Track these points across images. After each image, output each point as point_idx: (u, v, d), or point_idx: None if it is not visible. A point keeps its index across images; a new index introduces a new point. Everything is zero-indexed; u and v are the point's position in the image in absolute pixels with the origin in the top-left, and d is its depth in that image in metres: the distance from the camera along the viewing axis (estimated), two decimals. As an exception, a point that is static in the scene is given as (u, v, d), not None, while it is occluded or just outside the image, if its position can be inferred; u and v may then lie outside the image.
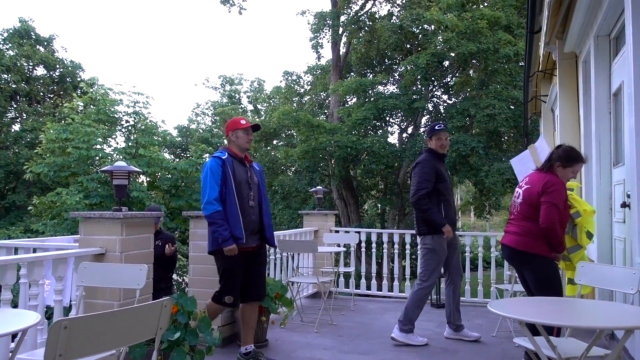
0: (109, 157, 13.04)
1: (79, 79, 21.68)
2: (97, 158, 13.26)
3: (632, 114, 3.25)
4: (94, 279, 3.14)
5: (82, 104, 14.97)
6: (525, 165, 4.95)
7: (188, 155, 18.66)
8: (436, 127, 4.75)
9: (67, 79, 22.03)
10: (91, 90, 14.77)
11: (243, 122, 3.95)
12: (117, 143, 15.44)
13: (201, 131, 28.37)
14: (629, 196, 3.67)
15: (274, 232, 4.26)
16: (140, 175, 14.12)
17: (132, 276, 3.03)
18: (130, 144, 14.21)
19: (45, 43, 21.59)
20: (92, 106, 14.46)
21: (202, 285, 4.53)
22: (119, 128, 15.36)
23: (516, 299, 3.16)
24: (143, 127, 14.73)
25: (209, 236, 3.87)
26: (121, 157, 13.03)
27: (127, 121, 15.14)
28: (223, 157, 3.81)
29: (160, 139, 15.64)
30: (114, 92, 14.93)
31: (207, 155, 21.30)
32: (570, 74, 5.87)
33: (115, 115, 14.80)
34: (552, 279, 3.57)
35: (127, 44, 65.74)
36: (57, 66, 21.87)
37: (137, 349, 3.00)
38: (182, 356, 3.17)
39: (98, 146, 13.50)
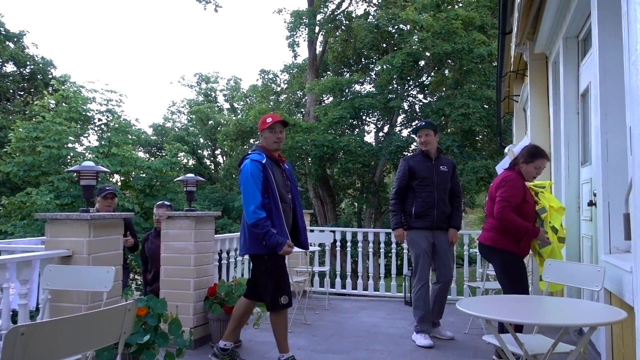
0: (81, 156, 12.81)
1: (50, 76, 21.20)
2: (69, 157, 13.01)
3: (598, 115, 3.31)
4: (60, 282, 3.06)
5: (53, 101, 14.67)
6: (504, 167, 5.09)
7: (163, 154, 18.44)
8: (417, 126, 4.83)
9: (38, 76, 21.53)
10: (63, 87, 14.48)
11: (269, 120, 3.70)
12: (90, 142, 15.19)
13: (177, 130, 28.11)
14: (595, 195, 3.74)
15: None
16: (114, 175, 13.90)
17: (100, 278, 2.97)
18: (103, 142, 13.99)
19: (15, 39, 21.06)
20: (63, 104, 14.18)
21: (174, 286, 4.48)
22: (92, 126, 15.11)
23: (484, 297, 3.20)
24: (116, 125, 14.52)
25: (244, 238, 3.68)
26: (94, 156, 12.81)
27: (99, 119, 14.91)
28: (263, 161, 3.59)
29: (134, 137, 15.44)
30: (86, 89, 14.69)
31: (183, 154, 21.11)
32: (541, 74, 5.96)
33: (87, 113, 14.55)
34: (515, 273, 3.69)
35: (100, 41, 64.64)
36: (28, 63, 21.36)
37: (104, 352, 2.94)
38: (152, 359, 3.12)
39: (70, 145, 13.25)
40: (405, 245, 6.39)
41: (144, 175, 14.03)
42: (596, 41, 3.33)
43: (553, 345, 2.52)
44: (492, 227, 3.82)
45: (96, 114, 14.78)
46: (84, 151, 13.54)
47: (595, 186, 3.76)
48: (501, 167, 5.55)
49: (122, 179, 14.37)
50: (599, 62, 3.27)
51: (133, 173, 13.85)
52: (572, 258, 4.59)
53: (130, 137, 14.72)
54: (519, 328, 3.42)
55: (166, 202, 5.48)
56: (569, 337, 4.41)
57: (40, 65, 21.66)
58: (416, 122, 18.02)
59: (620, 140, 3.10)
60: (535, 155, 3.79)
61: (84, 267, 3.31)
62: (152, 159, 19.77)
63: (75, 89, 14.53)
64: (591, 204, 4.00)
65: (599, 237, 3.41)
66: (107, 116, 14.76)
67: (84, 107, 14.26)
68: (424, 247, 4.63)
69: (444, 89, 17.80)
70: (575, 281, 3.12)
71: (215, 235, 5.06)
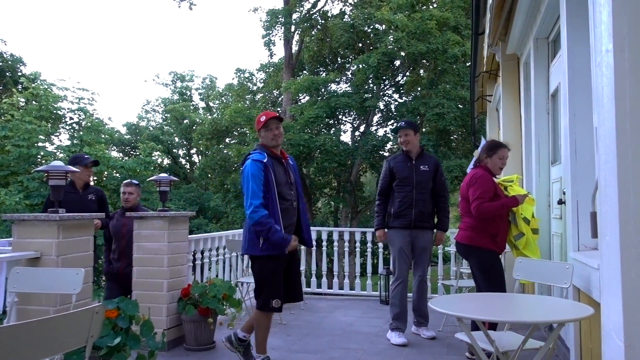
0: (52, 156, 12.54)
1: (19, 74, 20.66)
2: (39, 157, 12.72)
3: (567, 115, 3.38)
4: (27, 285, 2.99)
5: (23, 99, 14.33)
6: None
7: (137, 153, 18.19)
8: (397, 126, 4.91)
9: (7, 74, 20.95)
10: (33, 85, 14.15)
11: (262, 118, 3.69)
12: (61, 141, 14.89)
13: (151, 129, 27.75)
14: (564, 193, 3.82)
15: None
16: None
17: (68, 281, 2.90)
18: (74, 141, 13.72)
19: (-18, 35, 20.48)
20: (33, 102, 13.86)
21: (147, 287, 4.41)
22: (63, 125, 14.81)
23: (457, 296, 3.24)
24: (88, 124, 14.26)
25: (246, 238, 3.66)
26: (65, 155, 12.55)
27: (71, 118, 14.62)
28: (264, 160, 3.56)
29: (107, 136, 15.20)
30: (57, 87, 14.38)
31: (158, 153, 20.83)
32: (513, 74, 6.06)
33: (58, 111, 14.26)
34: (492, 270, 3.76)
35: (72, 38, 63.32)
36: (-4, 60, 20.80)
37: (73, 356, 2.88)
38: (123, 362, 3.07)
39: (40, 144, 12.96)
40: (380, 245, 6.43)
41: (117, 175, 13.81)
42: (565, 43, 3.40)
43: (523, 342, 2.56)
44: (468, 226, 3.88)
45: (67, 112, 14.50)
46: (55, 150, 13.27)
47: (564, 185, 3.84)
48: (471, 167, 5.63)
49: (94, 178, 14.12)
50: (568, 63, 3.33)
51: (106, 173, 13.62)
52: (543, 256, 4.67)
53: (103, 136, 14.49)
54: (493, 326, 3.47)
55: (134, 181, 5.18)
56: (539, 333, 4.49)
57: (9, 62, 21.09)
58: (392, 121, 18.15)
59: (588, 140, 3.17)
60: (495, 147, 3.92)
61: (53, 269, 3.23)
62: (126, 158, 19.44)
63: (46, 86, 14.23)
64: (561, 202, 4.08)
65: (568, 235, 3.48)
66: (79, 115, 14.48)
67: (55, 106, 13.97)
68: (400, 245, 4.67)
69: (419, 88, 17.96)
70: (545, 278, 3.18)
71: (190, 236, 5.01)
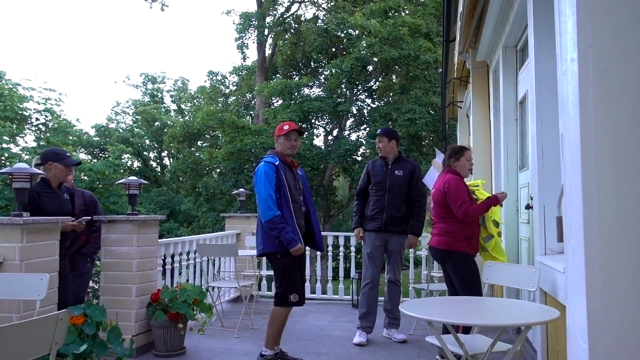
0: (17, 157, 12.19)
1: (-17, 73, 20.09)
2: (4, 158, 12.35)
3: (534, 122, 3.46)
4: (-12, 291, 2.90)
5: (-14, 99, 13.89)
6: (432, 177, 5.39)
7: (107, 155, 17.84)
8: (373, 133, 5.14)
9: (-30, 73, 20.35)
10: (-3, 85, 13.74)
11: (286, 127, 3.98)
12: (27, 142, 14.49)
13: (121, 131, 27.28)
14: (532, 198, 3.90)
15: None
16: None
17: (32, 286, 2.82)
18: (41, 143, 13.36)
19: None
20: (-3, 102, 13.46)
21: (114, 293, 4.32)
22: (29, 126, 14.42)
23: (427, 299, 3.27)
24: (55, 125, 13.91)
25: (260, 238, 3.86)
26: (31, 157, 12.22)
27: (37, 119, 14.24)
28: (276, 163, 3.84)
29: (74, 138, 14.85)
30: (23, 87, 14.00)
31: (128, 155, 20.46)
32: (482, 81, 6.17)
33: (24, 112, 13.87)
34: (470, 273, 3.81)
35: (38, 37, 61.86)
36: (-42, 58, 20.16)
37: (37, 364, 2.80)
38: (89, 369, 3.00)
39: (4, 145, 12.59)
40: (353, 249, 6.47)
41: (85, 177, 13.50)
42: (532, 51, 3.48)
43: (491, 345, 2.60)
44: (442, 231, 3.91)
45: (33, 113, 14.11)
46: (20, 152, 12.89)
47: (532, 190, 3.92)
48: (428, 177, 5.69)
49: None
50: (535, 71, 3.41)
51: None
52: (511, 259, 4.76)
53: (70, 137, 14.13)
54: (467, 329, 3.52)
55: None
56: (508, 336, 4.57)
57: (-27, 60, 20.49)
58: (365, 126, 18.27)
59: (555, 147, 3.25)
60: (459, 150, 4.02)
61: (16, 275, 3.13)
62: (95, 160, 19.05)
63: (11, 86, 13.82)
64: (528, 207, 4.16)
65: (535, 239, 3.55)
66: (46, 116, 14.12)
67: (20, 106, 13.59)
68: (370, 249, 4.78)
69: (391, 94, 18.13)
70: (513, 282, 3.24)
71: (160, 240, 4.93)
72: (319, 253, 7.15)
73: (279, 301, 3.86)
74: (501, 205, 4.03)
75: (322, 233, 7.20)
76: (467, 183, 4.12)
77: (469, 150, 4.06)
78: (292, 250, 3.75)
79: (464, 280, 3.81)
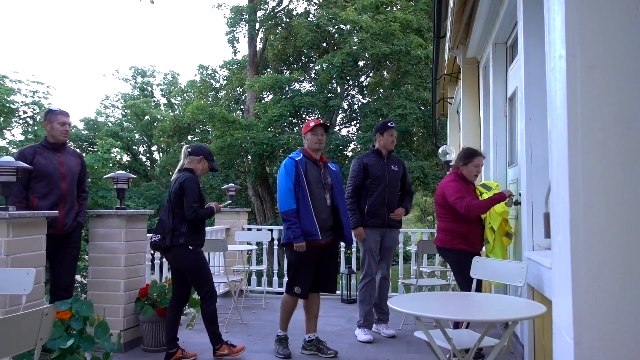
0: (4, 151, 12.06)
1: (-31, 65, 19.82)
2: (-10, 151, 12.21)
3: (523, 118, 3.48)
4: (-27, 285, 2.86)
5: (-28, 92, 13.70)
6: None
7: (95, 149, 17.71)
8: (388, 125, 4.88)
9: (-44, 64, 20.07)
10: (-17, 77, 13.54)
11: (312, 124, 4.16)
12: (14, 135, 14.33)
13: (110, 124, 27.05)
14: (520, 194, 3.92)
15: None
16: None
17: (18, 281, 2.80)
18: (28, 136, 13.20)
19: None
20: (-17, 95, 13.28)
21: (102, 287, 4.29)
22: (16, 119, 14.25)
23: (416, 295, 3.29)
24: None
25: (284, 229, 4.09)
26: (18, 150, 12.09)
27: (24, 112, 14.07)
28: (297, 159, 4.09)
29: (63, 132, 14.69)
30: (9, 80, 13.80)
31: (117, 149, 20.31)
32: (473, 78, 6.19)
33: (11, 105, 13.70)
34: (466, 269, 3.83)
35: (26, 29, 61.12)
36: (-56, 50, 19.86)
37: (23, 359, 2.77)
38: (76, 365, 2.98)
39: (-9, 138, 12.45)
40: (343, 244, 6.45)
41: (73, 171, 13.40)
42: (522, 48, 3.49)
43: (479, 340, 2.62)
44: (440, 230, 4.08)
45: (21, 106, 13.92)
46: (7, 145, 12.75)
47: (520, 186, 3.94)
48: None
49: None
50: (524, 68, 3.43)
51: (61, 169, 13.18)
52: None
53: (59, 131, 13.97)
54: (456, 324, 3.54)
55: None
56: (496, 331, 4.60)
57: (-41, 52, 20.19)
58: (355, 121, 18.27)
59: (543, 143, 3.27)
60: (471, 155, 4.03)
61: (2, 269, 3.10)
62: (83, 154, 18.90)
63: (-2, 79, 13.65)
64: (517, 203, 4.19)
65: (522, 235, 3.58)
66: (33, 109, 13.95)
67: (7, 99, 13.42)
68: (371, 245, 4.74)
69: (382, 89, 18.14)
70: (501, 277, 3.26)
71: (148, 234, 4.90)
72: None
73: (286, 289, 4.18)
74: (509, 206, 4.03)
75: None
76: (483, 182, 4.18)
77: (481, 156, 4.06)
78: (294, 246, 3.95)
79: (462, 276, 3.87)
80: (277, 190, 4.10)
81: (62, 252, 3.97)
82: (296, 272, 4.08)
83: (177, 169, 4.13)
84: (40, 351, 1.84)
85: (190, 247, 3.88)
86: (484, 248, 4.10)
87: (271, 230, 6.99)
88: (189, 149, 4.14)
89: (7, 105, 13.48)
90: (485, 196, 4.08)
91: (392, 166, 4.80)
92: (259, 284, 7.03)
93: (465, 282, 3.80)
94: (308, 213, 3.97)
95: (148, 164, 27.86)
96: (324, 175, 4.16)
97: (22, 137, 13.44)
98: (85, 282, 14.83)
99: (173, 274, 4.09)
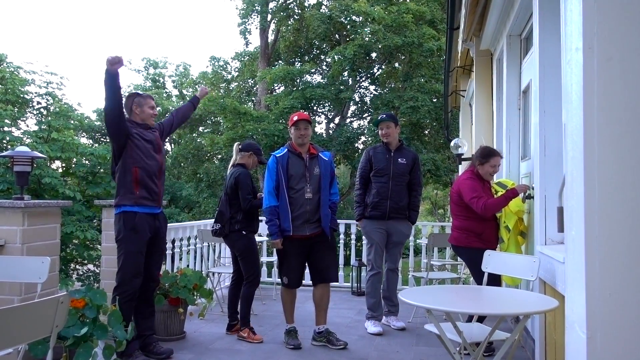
0: (18, 141, 12.19)
1: (-16, 56, 19.99)
2: (5, 141, 12.35)
3: (537, 111, 3.44)
4: (-10, 273, 2.91)
5: (-13, 82, 13.84)
6: None
7: (108, 140, 17.82)
8: (378, 119, 4.86)
9: (-29, 55, 20.25)
10: (-2, 67, 13.67)
11: (295, 118, 4.24)
12: (28, 126, 14.48)
13: (123, 115, 27.16)
14: (533, 188, 3.89)
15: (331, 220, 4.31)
16: (54, 161, 13.32)
17: (34, 269, 2.84)
18: (42, 127, 13.34)
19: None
20: (-1, 85, 13.42)
21: (114, 276, 4.33)
22: (30, 110, 14.39)
23: (426, 288, 3.28)
24: (57, 109, 13.86)
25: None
26: (32, 140, 12.21)
27: (38, 102, 14.20)
28: (278, 155, 4.20)
29: (76, 122, 14.82)
30: (24, 71, 13.94)
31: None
32: (486, 70, 6.13)
33: (25, 95, 13.84)
34: (480, 267, 3.82)
35: (41, 20, 61.49)
36: (-41, 40, 20.05)
37: (38, 346, 2.82)
38: (89, 352, 3.02)
39: (6, 128, 12.59)
40: (353, 237, 6.47)
41: (86, 162, 13.50)
42: (537, 40, 3.45)
43: (490, 333, 2.61)
44: (455, 228, 4.08)
45: (35, 96, 14.05)
46: (22, 135, 12.89)
47: (533, 180, 3.91)
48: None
49: (63, 165, 13.78)
50: (539, 60, 3.39)
51: (75, 159, 13.30)
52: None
53: (72, 121, 14.08)
54: (482, 318, 3.53)
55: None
56: (506, 325, 4.59)
57: (-26, 43, 20.37)
58: (367, 114, 18.20)
59: (557, 137, 3.23)
60: (488, 155, 4.00)
61: (17, 258, 3.15)
62: (96, 145, 19.02)
63: (12, 69, 13.77)
64: (530, 197, 4.16)
65: (535, 229, 3.55)
66: (47, 99, 14.07)
67: (22, 89, 13.54)
68: (376, 237, 4.73)
69: (394, 81, 18.04)
70: (512, 271, 3.24)
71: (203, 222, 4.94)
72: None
73: (280, 282, 4.35)
74: (523, 201, 4.00)
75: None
76: (498, 180, 4.15)
77: (498, 156, 4.03)
78: (268, 242, 4.11)
79: (477, 272, 3.85)
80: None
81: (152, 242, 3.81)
82: (282, 263, 4.26)
83: (230, 164, 4.61)
84: (51, 341, 1.87)
85: (244, 232, 4.38)
86: (498, 246, 4.07)
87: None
88: (240, 146, 4.59)
89: (22, 95, 13.61)
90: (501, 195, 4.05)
91: (399, 159, 4.75)
92: (269, 275, 7.07)
93: (479, 280, 3.78)
94: (283, 209, 4.11)
95: (160, 155, 27.97)
96: (310, 168, 4.20)
97: (36, 128, 13.58)
98: (98, 271, 15.02)
99: (233, 256, 4.64)
